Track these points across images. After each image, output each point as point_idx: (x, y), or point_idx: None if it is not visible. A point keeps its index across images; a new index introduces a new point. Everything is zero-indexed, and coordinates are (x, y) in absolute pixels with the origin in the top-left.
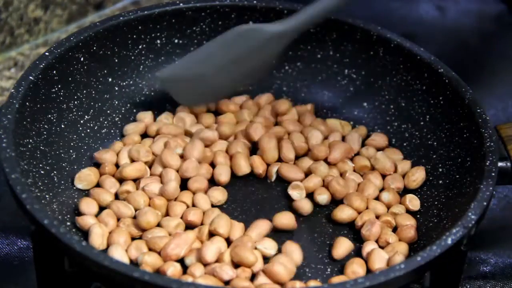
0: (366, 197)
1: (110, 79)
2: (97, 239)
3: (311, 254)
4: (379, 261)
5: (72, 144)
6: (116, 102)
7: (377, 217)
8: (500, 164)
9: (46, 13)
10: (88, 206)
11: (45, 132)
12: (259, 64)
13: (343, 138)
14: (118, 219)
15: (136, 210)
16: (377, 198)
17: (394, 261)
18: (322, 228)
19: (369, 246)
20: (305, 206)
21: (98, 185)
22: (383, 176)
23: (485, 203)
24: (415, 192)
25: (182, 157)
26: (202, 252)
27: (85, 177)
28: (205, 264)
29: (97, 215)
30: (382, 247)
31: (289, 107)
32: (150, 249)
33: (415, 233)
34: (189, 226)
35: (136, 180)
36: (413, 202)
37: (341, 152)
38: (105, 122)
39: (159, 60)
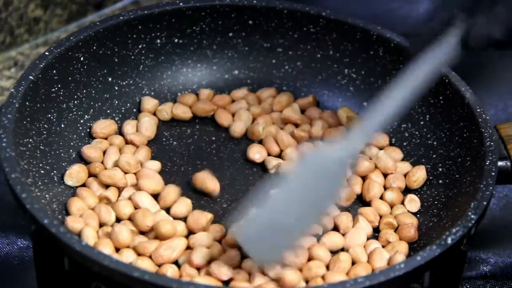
0: (372, 196)
1: (110, 79)
2: (90, 242)
3: None
4: (380, 260)
5: (72, 144)
6: (116, 102)
7: (380, 217)
8: (500, 163)
9: (46, 13)
10: (76, 207)
11: (45, 132)
12: (329, 191)
13: None
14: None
15: (118, 219)
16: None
17: (394, 260)
18: None
19: (372, 245)
20: None
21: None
22: (385, 175)
23: (485, 203)
24: (415, 192)
25: None
26: (191, 256)
27: (76, 174)
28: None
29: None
30: (383, 246)
31: (290, 100)
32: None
33: (416, 233)
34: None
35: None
36: (412, 204)
37: None
38: None
39: (159, 60)
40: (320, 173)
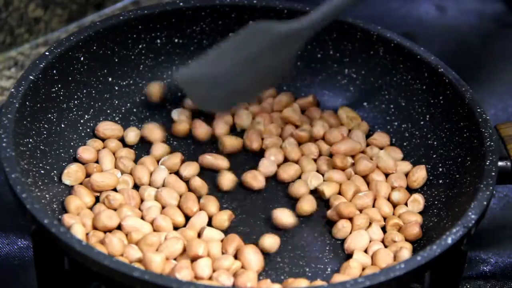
0: (383, 196)
1: (110, 79)
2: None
3: (312, 254)
4: (386, 260)
5: (72, 144)
6: (116, 102)
7: (385, 218)
8: (500, 163)
9: (46, 13)
10: (74, 205)
11: (45, 132)
12: (276, 65)
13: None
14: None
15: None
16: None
17: (401, 257)
18: (322, 228)
19: (374, 246)
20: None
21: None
22: (385, 175)
23: (485, 203)
24: (415, 192)
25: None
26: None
27: (74, 173)
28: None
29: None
30: (385, 246)
31: (291, 100)
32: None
33: (420, 230)
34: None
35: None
36: (415, 204)
37: (346, 146)
38: None
39: (159, 59)
40: (266, 43)
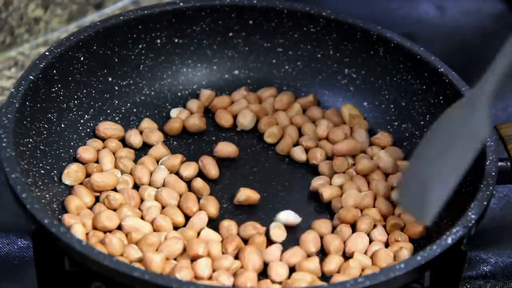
0: (383, 196)
1: (110, 79)
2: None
3: None
4: (385, 259)
5: (72, 144)
6: (116, 102)
7: (385, 218)
8: (500, 163)
9: (46, 13)
10: (74, 204)
11: (45, 132)
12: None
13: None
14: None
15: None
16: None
17: (401, 256)
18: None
19: (374, 246)
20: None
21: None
22: (386, 175)
23: (485, 203)
24: None
25: None
26: (196, 267)
27: (74, 173)
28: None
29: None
30: (386, 246)
31: (291, 99)
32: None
33: (424, 228)
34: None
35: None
36: None
37: (347, 146)
38: None
39: (159, 59)
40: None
